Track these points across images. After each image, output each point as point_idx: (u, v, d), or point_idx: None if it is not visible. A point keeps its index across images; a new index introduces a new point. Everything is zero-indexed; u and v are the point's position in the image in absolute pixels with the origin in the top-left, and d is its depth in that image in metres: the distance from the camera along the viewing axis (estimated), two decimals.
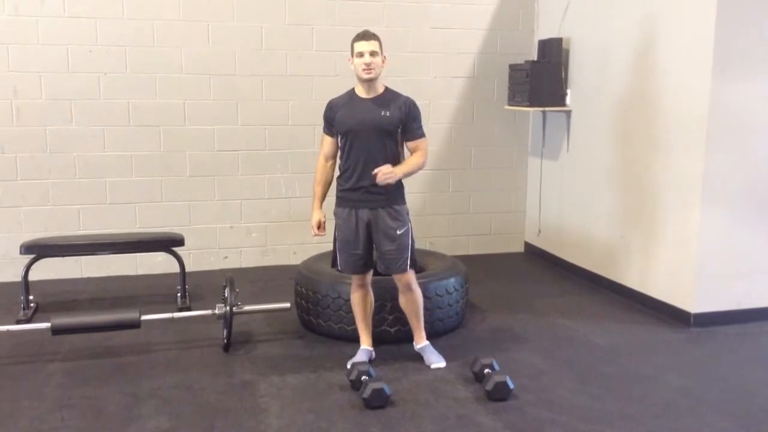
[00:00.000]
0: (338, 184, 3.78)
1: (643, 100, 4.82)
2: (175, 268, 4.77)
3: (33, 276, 4.65)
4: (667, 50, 4.57)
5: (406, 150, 3.80)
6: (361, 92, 3.70)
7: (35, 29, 5.12)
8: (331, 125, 3.75)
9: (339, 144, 3.75)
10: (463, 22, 5.92)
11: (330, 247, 3.77)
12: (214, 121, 5.54)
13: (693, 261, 4.41)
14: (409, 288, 3.79)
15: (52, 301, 4.84)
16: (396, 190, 3.71)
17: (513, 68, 5.82)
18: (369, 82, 3.63)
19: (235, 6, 5.45)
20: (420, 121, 3.75)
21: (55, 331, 3.83)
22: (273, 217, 5.78)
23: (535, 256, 6.24)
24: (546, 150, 6.02)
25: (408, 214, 3.78)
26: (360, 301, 3.85)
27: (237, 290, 4.10)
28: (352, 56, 3.64)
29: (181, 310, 4.52)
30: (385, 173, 3.57)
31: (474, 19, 5.97)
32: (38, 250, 4.56)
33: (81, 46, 5.22)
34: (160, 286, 5.17)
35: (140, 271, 5.55)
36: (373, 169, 3.59)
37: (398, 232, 3.68)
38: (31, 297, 4.61)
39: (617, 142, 5.10)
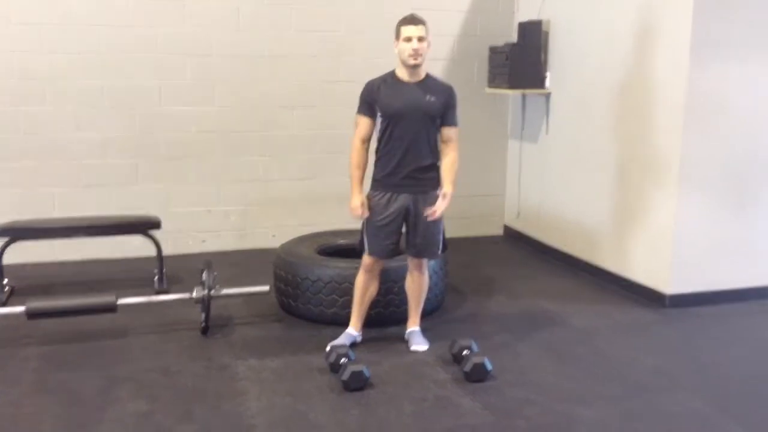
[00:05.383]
0: (376, 167, 3.70)
1: (621, 84, 4.83)
2: (152, 251, 4.72)
3: (7, 259, 4.58)
4: (645, 34, 4.58)
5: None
6: (404, 76, 3.61)
7: (6, 8, 5.00)
8: (371, 107, 3.61)
9: (379, 126, 3.64)
10: (442, 3, 5.87)
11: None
12: (191, 103, 5.46)
13: (669, 243, 4.46)
14: (421, 271, 3.81)
15: (27, 285, 4.77)
16: (436, 175, 3.69)
17: (493, 51, 5.81)
18: (414, 68, 3.57)
19: None
20: (456, 110, 3.71)
21: (31, 315, 3.79)
22: (251, 200, 5.73)
23: (514, 238, 6.27)
24: (525, 133, 6.03)
25: None
26: (365, 284, 3.79)
27: (215, 273, 4.07)
28: (398, 39, 3.55)
29: (158, 293, 4.48)
30: (439, 209, 3.61)
31: (454, 1, 5.93)
32: (12, 233, 4.50)
33: (54, 26, 5.10)
34: (137, 270, 5.12)
35: (116, 255, 5.48)
36: (416, 155, 3.58)
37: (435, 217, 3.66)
38: (5, 280, 4.55)
39: (596, 125, 5.12)
